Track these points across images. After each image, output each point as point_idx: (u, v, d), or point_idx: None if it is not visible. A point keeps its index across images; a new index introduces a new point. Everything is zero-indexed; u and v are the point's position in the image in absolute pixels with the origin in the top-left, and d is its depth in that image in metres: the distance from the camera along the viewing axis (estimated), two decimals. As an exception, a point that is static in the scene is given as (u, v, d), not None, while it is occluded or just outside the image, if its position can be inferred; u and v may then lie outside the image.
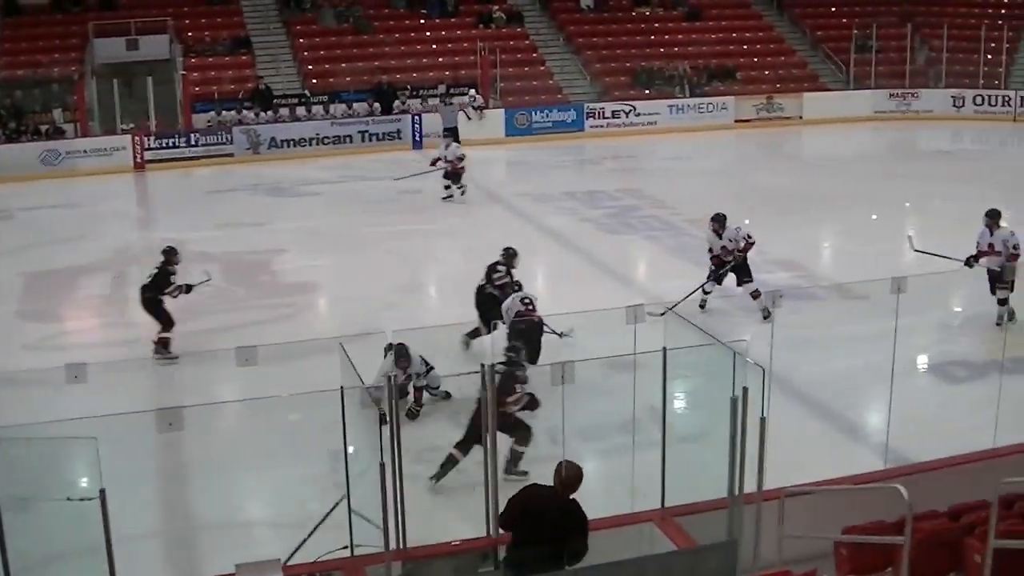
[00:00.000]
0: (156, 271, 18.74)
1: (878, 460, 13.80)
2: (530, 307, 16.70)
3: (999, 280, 18.69)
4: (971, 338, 18.98)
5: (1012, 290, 18.55)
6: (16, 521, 9.24)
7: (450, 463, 13.16)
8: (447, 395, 15.36)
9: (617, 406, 12.92)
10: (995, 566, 9.07)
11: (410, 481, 10.67)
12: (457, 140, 33.11)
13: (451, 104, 39.13)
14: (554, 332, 16.46)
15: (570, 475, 9.47)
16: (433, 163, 29.76)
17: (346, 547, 10.39)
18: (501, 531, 9.91)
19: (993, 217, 19.49)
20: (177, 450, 14.00)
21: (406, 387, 14.68)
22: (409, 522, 10.54)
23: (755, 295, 19.46)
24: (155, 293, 18.58)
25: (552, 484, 9.48)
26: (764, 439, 10.08)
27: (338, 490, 10.58)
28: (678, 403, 12.09)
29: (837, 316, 20.15)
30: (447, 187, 29.51)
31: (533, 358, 15.50)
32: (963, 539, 9.88)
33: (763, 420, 10.02)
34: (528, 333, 15.84)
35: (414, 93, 39.82)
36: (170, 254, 18.97)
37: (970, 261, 19.30)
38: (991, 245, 19.33)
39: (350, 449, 10.36)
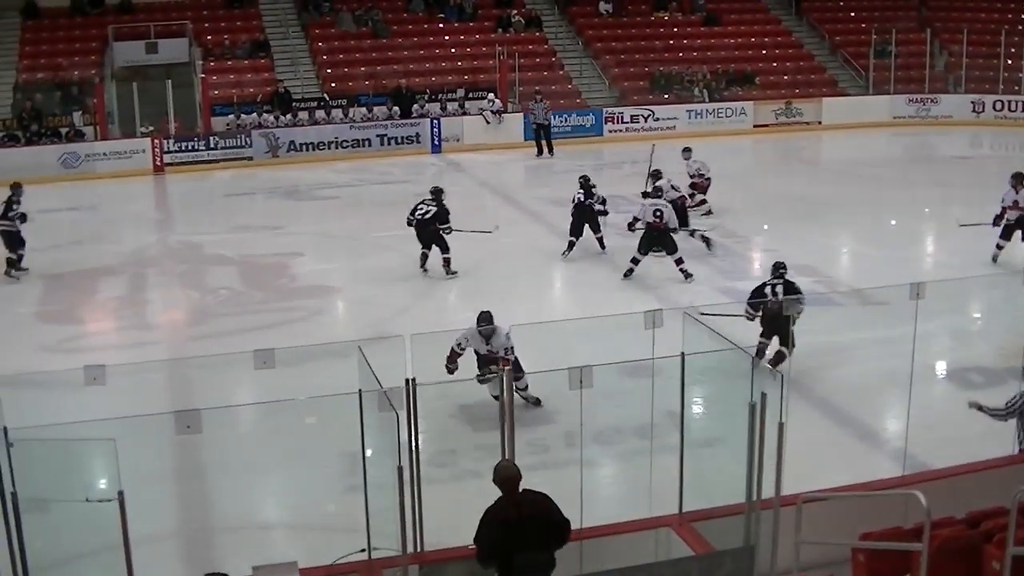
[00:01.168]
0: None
1: (896, 466, 13.77)
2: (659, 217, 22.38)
3: None
4: (989, 344, 18.93)
5: None
6: (35, 522, 9.28)
7: None
8: (537, 401, 15.57)
9: (635, 411, 12.91)
10: (1013, 573, 9.04)
11: (427, 484, 10.66)
12: (548, 137, 37.52)
13: (541, 102, 38.40)
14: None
15: (513, 469, 9.43)
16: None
17: (363, 550, 10.40)
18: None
19: (1018, 179, 22.44)
20: (195, 452, 14.04)
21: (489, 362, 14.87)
22: (426, 525, 10.56)
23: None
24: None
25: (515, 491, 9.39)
26: (782, 445, 10.06)
27: (355, 493, 10.59)
28: (696, 408, 12.07)
29: (855, 322, 20.11)
30: None
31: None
32: (981, 546, 9.85)
33: (781, 426, 10.00)
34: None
35: (433, 97, 39.82)
36: (16, 188, 24.17)
37: (996, 221, 22.30)
38: (1016, 202, 22.43)
39: (367, 452, 10.37)
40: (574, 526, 9.58)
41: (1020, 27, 45.42)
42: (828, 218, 28.53)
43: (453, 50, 42.85)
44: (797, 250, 24.52)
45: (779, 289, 17.55)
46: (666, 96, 42.06)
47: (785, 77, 44.32)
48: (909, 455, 13.69)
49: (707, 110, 41.67)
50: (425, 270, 23.31)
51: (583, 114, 40.24)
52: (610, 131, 40.15)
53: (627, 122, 40.48)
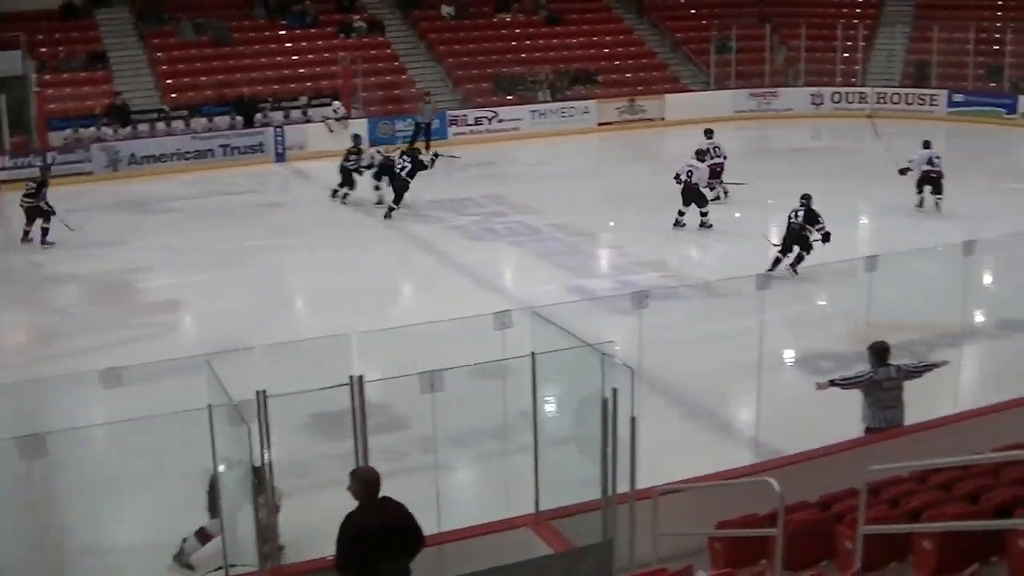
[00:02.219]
0: None
1: (749, 454, 13.95)
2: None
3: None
4: (835, 331, 19.24)
5: None
6: None
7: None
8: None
9: (488, 412, 12.93)
10: (865, 552, 9.19)
11: (283, 496, 10.57)
12: (428, 136, 38.26)
13: (429, 104, 39.47)
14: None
15: (372, 474, 9.38)
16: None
17: (221, 568, 10.26)
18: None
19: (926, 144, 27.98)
20: (43, 477, 13.73)
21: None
22: (284, 538, 10.46)
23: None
24: None
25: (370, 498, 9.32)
26: (635, 439, 10.11)
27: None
28: (549, 407, 12.10)
29: (704, 314, 20.34)
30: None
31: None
32: (834, 527, 10.01)
33: (633, 420, 10.05)
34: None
35: (276, 105, 39.46)
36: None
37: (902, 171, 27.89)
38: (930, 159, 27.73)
39: (220, 467, 10.23)
40: (432, 531, 9.56)
41: (856, 21, 46.36)
42: (674, 213, 28.78)
43: (296, 57, 42.48)
44: (644, 246, 24.83)
45: (800, 214, 22.95)
46: (510, 97, 42.16)
47: (628, 75, 44.68)
48: (761, 443, 13.90)
49: (551, 110, 41.82)
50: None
51: (428, 118, 40.15)
52: (455, 133, 40.08)
53: (472, 124, 40.48)
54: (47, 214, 26.96)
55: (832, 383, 13.46)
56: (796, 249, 22.80)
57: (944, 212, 27.41)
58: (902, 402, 13.43)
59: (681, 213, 26.78)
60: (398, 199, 28.63)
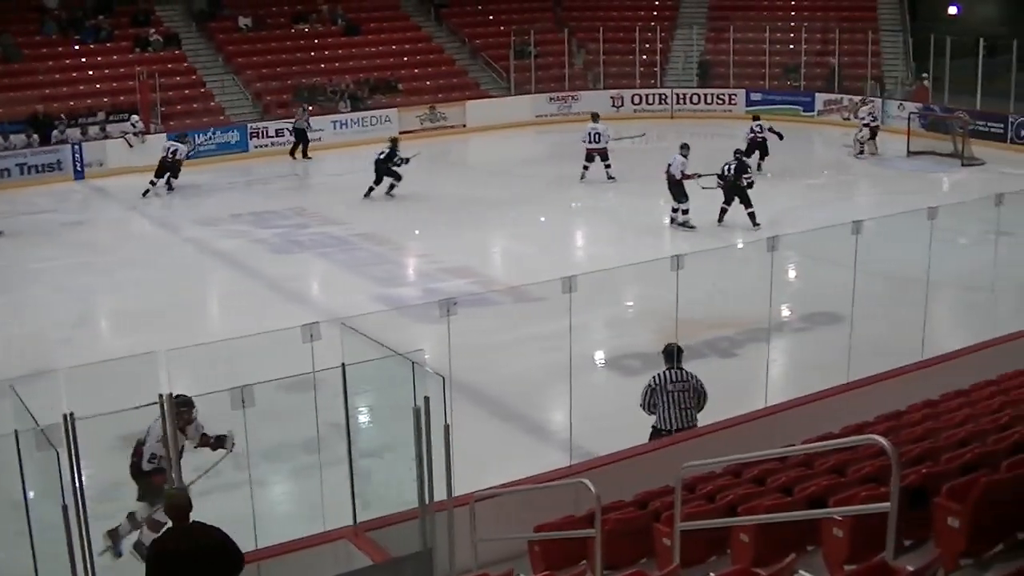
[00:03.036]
0: None
1: (564, 457, 14.00)
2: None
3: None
4: (643, 330, 19.45)
5: None
6: None
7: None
8: None
9: (300, 426, 12.80)
10: (683, 548, 9.28)
11: (95, 521, 10.32)
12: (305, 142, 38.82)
13: (308, 109, 40.07)
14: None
15: (182, 498, 9.21)
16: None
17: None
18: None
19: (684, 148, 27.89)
20: None
21: None
22: (97, 563, 10.21)
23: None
24: None
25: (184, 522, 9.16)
26: (449, 446, 10.10)
27: (21, 538, 10.15)
28: (362, 418, 12.04)
29: (514, 319, 20.43)
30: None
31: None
32: (651, 525, 10.10)
33: (447, 427, 10.04)
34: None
35: (73, 122, 38.60)
36: None
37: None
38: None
39: (30, 495, 9.96)
40: (249, 547, 9.43)
41: (653, 23, 47.01)
42: (480, 219, 28.95)
43: (91, 72, 41.53)
44: (451, 252, 24.88)
45: (732, 167, 26.76)
46: (310, 108, 41.85)
47: (428, 82, 44.68)
48: (576, 445, 13.94)
49: (352, 119, 41.61)
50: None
51: (227, 131, 39.58)
52: (256, 146, 39.61)
53: (272, 136, 40.04)
54: None
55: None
56: (735, 200, 26.80)
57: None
58: (692, 405, 13.81)
59: (674, 209, 27.52)
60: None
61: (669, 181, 27.37)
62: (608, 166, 32.86)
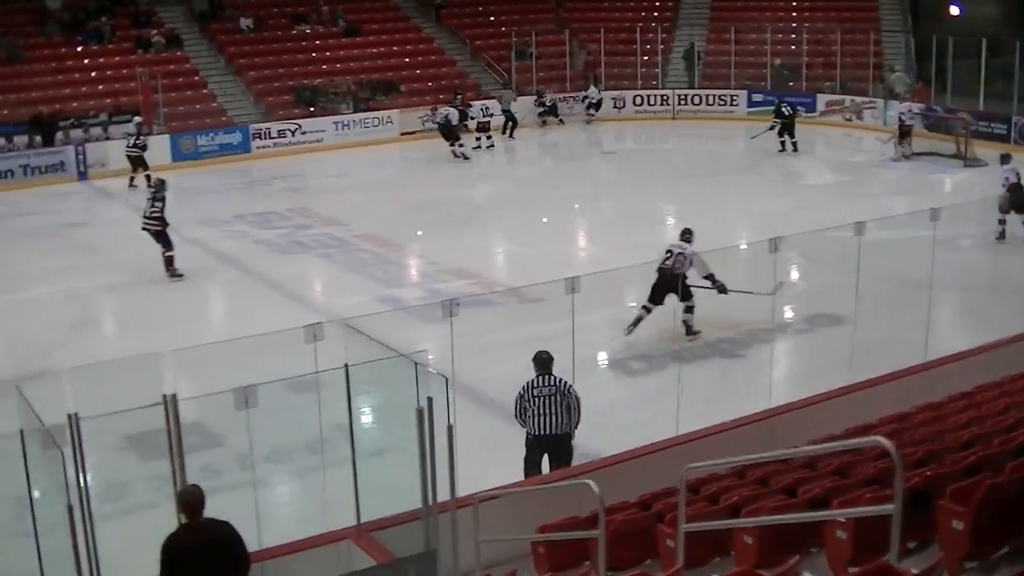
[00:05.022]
0: None
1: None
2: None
3: None
4: (646, 331, 19.43)
5: None
6: None
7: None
8: None
9: (303, 427, 12.80)
10: (687, 549, 9.27)
11: (100, 520, 10.30)
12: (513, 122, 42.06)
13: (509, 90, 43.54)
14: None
15: (195, 495, 9.20)
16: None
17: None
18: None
19: None
20: None
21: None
22: (103, 563, 10.20)
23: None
24: None
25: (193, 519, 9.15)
26: (453, 446, 10.08)
27: (25, 538, 10.15)
28: (365, 418, 12.05)
29: (515, 320, 20.42)
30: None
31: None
32: (655, 526, 10.09)
33: (450, 428, 10.02)
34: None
35: (76, 123, 38.59)
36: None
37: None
38: None
39: (35, 494, 9.96)
40: (253, 547, 9.41)
41: (654, 24, 47.02)
42: (481, 220, 28.97)
43: (93, 74, 41.55)
44: (452, 254, 24.85)
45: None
46: (312, 109, 41.87)
47: (429, 84, 44.67)
48: (578, 445, 13.94)
49: (353, 121, 41.61)
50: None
51: (229, 132, 39.61)
52: (258, 147, 39.66)
53: (275, 137, 40.07)
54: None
55: None
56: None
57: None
58: (562, 411, 13.64)
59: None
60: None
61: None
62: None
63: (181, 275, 24.24)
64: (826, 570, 8.79)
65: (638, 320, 19.13)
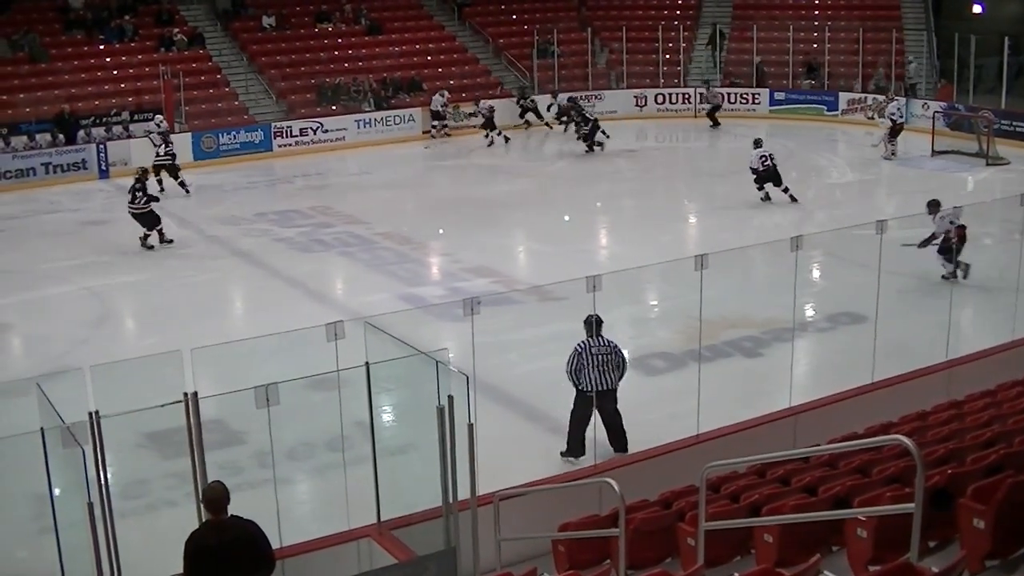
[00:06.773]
0: None
1: (588, 455, 14.01)
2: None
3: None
4: (667, 330, 19.43)
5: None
6: None
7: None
8: None
9: (325, 424, 12.80)
10: (708, 547, 9.27)
11: (120, 518, 10.34)
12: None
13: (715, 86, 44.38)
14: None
15: (218, 491, 9.22)
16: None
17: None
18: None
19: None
20: None
21: None
22: (123, 560, 10.23)
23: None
24: None
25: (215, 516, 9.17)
26: (473, 445, 10.10)
27: (46, 535, 10.18)
28: (386, 416, 12.04)
29: (537, 318, 20.41)
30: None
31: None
32: (675, 525, 10.09)
33: (471, 426, 10.04)
34: None
35: (98, 121, 38.68)
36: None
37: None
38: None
39: (56, 491, 9.98)
40: (274, 545, 9.43)
41: (676, 23, 46.91)
42: (503, 218, 28.92)
43: (116, 72, 41.62)
44: (473, 252, 24.84)
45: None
46: (334, 107, 41.90)
47: (451, 82, 44.61)
48: (599, 443, 13.94)
49: (375, 119, 41.61)
50: None
51: (251, 130, 39.65)
52: (280, 145, 39.69)
53: (296, 135, 40.09)
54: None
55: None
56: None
57: (774, 204, 28.16)
58: (612, 368, 14.49)
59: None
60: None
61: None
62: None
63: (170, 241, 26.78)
64: (847, 569, 8.78)
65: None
